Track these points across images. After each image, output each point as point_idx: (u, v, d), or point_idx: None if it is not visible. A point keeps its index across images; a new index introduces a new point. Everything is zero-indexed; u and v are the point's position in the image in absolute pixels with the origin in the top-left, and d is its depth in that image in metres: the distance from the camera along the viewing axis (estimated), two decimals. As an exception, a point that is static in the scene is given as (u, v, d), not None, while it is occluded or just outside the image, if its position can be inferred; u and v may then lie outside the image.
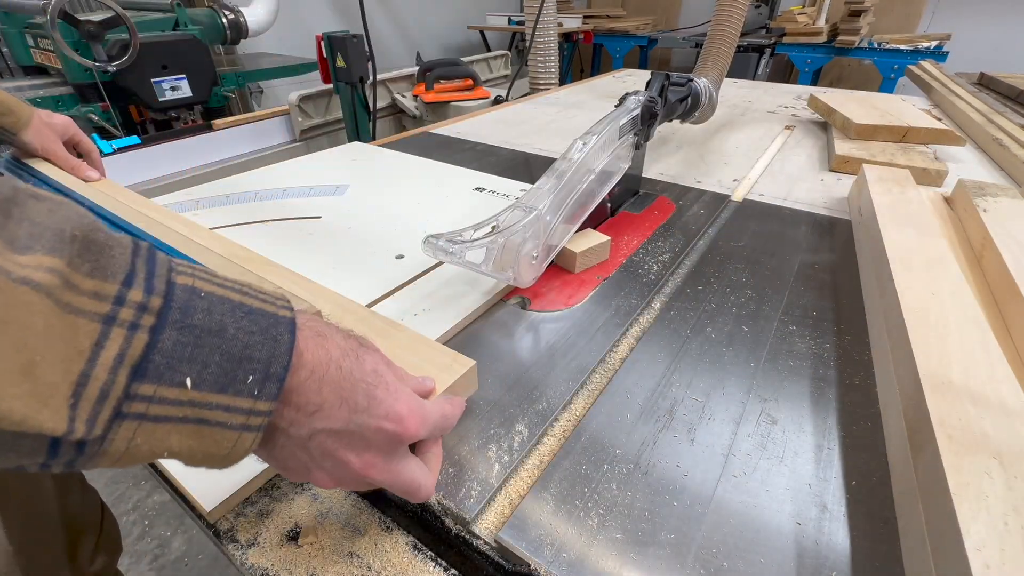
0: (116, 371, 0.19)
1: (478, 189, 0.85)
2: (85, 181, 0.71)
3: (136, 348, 0.19)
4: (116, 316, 0.19)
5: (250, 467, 0.36)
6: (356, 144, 1.13)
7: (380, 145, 1.13)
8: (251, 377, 0.22)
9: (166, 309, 0.20)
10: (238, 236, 0.68)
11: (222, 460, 0.23)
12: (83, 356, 0.18)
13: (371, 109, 1.87)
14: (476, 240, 0.51)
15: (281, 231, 0.71)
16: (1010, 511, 0.28)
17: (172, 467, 0.38)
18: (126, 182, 1.51)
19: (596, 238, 0.63)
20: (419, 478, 0.30)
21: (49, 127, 0.72)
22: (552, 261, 0.63)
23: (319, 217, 0.75)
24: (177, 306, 0.21)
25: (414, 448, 0.32)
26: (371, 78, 1.81)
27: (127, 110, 1.89)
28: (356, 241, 0.69)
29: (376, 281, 0.59)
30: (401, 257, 0.64)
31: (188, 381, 0.20)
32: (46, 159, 0.72)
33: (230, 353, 0.21)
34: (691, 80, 0.89)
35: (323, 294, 0.46)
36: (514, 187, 0.86)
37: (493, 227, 0.53)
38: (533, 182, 0.58)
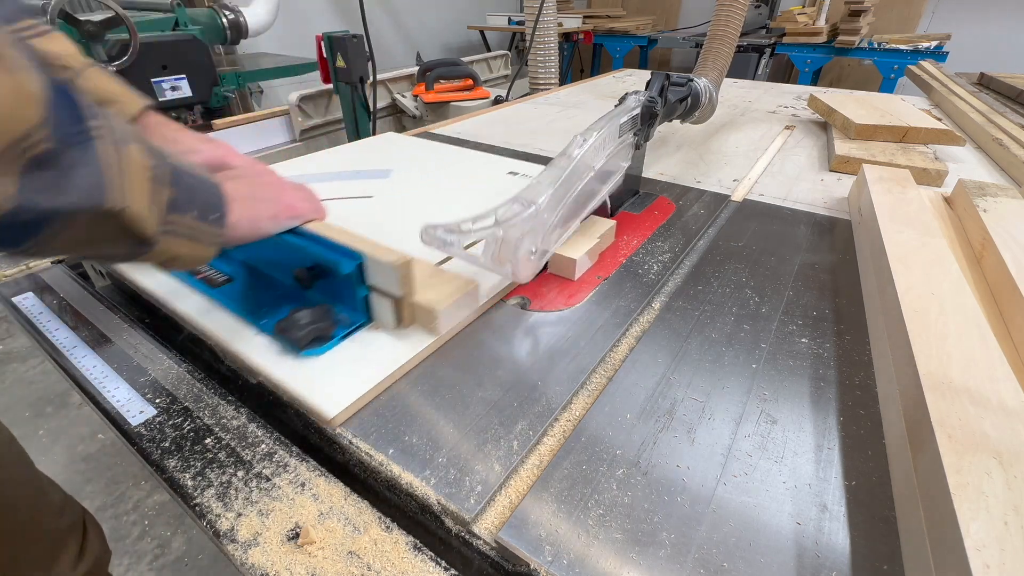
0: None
1: (512, 173, 0.90)
2: None
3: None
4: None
5: (358, 383, 0.44)
6: (390, 134, 1.18)
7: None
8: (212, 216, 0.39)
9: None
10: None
11: (202, 260, 0.39)
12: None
13: (371, 109, 1.87)
14: (475, 230, 0.50)
15: (336, 210, 0.66)
16: (1010, 511, 0.28)
17: (294, 385, 0.44)
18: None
19: (603, 225, 0.66)
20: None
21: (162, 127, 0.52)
22: (547, 267, 0.63)
23: (371, 197, 0.80)
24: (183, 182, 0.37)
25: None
26: (371, 78, 1.81)
27: (127, 110, 1.88)
28: (406, 218, 0.71)
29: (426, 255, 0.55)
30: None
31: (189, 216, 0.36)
32: None
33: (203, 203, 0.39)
34: (691, 80, 0.89)
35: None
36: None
37: (494, 220, 0.52)
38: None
